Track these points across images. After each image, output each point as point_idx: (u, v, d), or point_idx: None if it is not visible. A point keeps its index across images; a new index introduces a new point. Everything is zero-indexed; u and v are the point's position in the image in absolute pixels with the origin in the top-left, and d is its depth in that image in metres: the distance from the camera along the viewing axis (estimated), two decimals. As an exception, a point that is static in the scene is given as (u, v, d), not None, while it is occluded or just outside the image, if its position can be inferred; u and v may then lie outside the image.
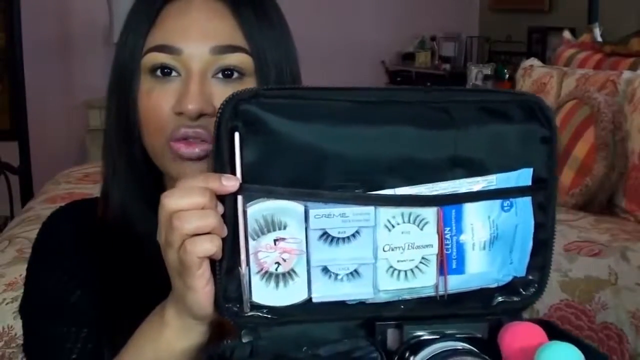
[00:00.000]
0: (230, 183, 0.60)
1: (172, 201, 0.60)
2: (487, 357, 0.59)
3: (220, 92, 0.76)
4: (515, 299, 0.66)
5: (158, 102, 0.77)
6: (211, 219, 0.60)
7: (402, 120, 0.61)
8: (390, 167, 0.61)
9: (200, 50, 0.76)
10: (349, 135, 0.60)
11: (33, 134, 3.56)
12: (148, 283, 0.78)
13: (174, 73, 0.77)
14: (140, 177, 0.82)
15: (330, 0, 4.59)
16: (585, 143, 2.30)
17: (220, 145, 0.60)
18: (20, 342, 0.88)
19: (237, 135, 0.59)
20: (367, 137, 0.61)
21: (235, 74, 0.77)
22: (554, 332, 0.61)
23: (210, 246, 0.60)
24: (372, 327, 0.64)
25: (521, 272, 0.66)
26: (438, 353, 0.59)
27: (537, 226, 0.66)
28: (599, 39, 2.90)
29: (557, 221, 0.67)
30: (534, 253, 0.66)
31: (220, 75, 0.77)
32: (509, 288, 0.66)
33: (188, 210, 0.60)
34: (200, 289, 0.61)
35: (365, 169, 0.61)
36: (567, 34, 3.10)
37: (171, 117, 0.76)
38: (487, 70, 4.00)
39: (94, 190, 2.02)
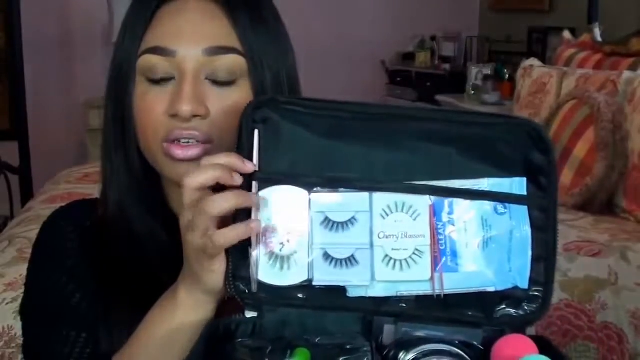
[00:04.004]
0: (249, 165, 0.66)
1: (192, 179, 0.65)
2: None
3: (214, 94, 0.76)
4: (519, 312, 0.67)
5: (152, 104, 0.77)
6: (242, 198, 0.65)
7: (402, 134, 0.68)
8: (388, 172, 0.67)
9: (193, 51, 0.76)
10: (347, 145, 0.67)
11: (33, 134, 3.56)
12: (146, 282, 0.78)
13: (167, 75, 0.77)
14: (138, 178, 0.82)
15: (330, 0, 4.59)
16: (585, 143, 2.30)
17: (242, 141, 0.67)
18: (21, 342, 0.89)
19: (256, 132, 0.67)
20: (364, 149, 0.67)
21: (228, 77, 0.77)
22: (548, 349, 0.62)
23: (245, 229, 0.65)
24: (370, 322, 0.67)
25: (523, 283, 0.67)
26: (421, 351, 0.63)
27: (538, 242, 0.68)
28: (599, 39, 2.90)
29: (557, 221, 0.68)
30: (536, 267, 0.68)
31: (213, 77, 0.77)
32: (512, 300, 0.67)
33: (206, 184, 0.65)
34: (219, 270, 0.66)
35: (363, 173, 0.67)
36: (567, 34, 3.10)
37: (165, 119, 0.76)
38: (487, 70, 4.00)
39: (94, 190, 2.02)
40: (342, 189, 0.66)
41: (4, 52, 3.84)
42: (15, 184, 3.40)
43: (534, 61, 2.97)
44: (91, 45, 4.12)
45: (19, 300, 0.87)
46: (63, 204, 0.90)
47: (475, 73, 4.02)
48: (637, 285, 1.78)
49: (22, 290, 0.86)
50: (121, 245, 0.82)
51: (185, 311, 0.69)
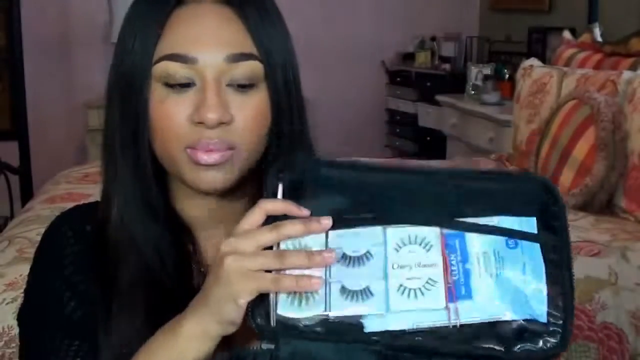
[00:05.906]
0: (304, 212, 0.68)
1: (269, 204, 0.68)
2: None
3: (236, 100, 0.77)
4: (538, 347, 0.67)
5: (173, 110, 0.76)
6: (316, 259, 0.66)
7: (408, 180, 0.71)
8: (404, 211, 0.69)
9: (215, 58, 0.76)
10: (363, 197, 0.70)
11: (33, 134, 3.57)
12: (148, 286, 0.78)
13: (188, 81, 0.76)
14: (144, 182, 0.81)
15: (330, 0, 4.59)
16: (585, 143, 2.30)
17: (267, 195, 0.70)
18: (20, 342, 0.88)
19: (280, 187, 0.70)
20: (382, 189, 0.70)
21: (249, 83, 0.78)
22: None
23: (310, 283, 0.65)
24: (385, 357, 0.67)
25: (541, 317, 0.67)
26: None
27: (554, 278, 0.68)
28: (599, 39, 2.90)
29: (571, 260, 0.68)
30: (553, 302, 0.68)
31: (234, 84, 0.77)
32: (531, 334, 0.67)
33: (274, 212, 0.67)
34: (244, 305, 0.66)
35: (379, 208, 0.69)
36: (567, 34, 3.10)
37: (188, 126, 0.76)
38: (487, 70, 4.00)
39: (94, 190, 2.02)
40: (355, 224, 0.68)
41: (4, 52, 3.84)
42: (15, 184, 3.40)
43: (534, 61, 2.97)
44: (91, 46, 4.12)
45: (19, 301, 0.86)
46: (64, 207, 0.89)
47: (475, 73, 4.02)
48: (637, 285, 1.78)
49: (22, 290, 0.86)
50: (123, 250, 0.81)
51: (187, 343, 0.68)
